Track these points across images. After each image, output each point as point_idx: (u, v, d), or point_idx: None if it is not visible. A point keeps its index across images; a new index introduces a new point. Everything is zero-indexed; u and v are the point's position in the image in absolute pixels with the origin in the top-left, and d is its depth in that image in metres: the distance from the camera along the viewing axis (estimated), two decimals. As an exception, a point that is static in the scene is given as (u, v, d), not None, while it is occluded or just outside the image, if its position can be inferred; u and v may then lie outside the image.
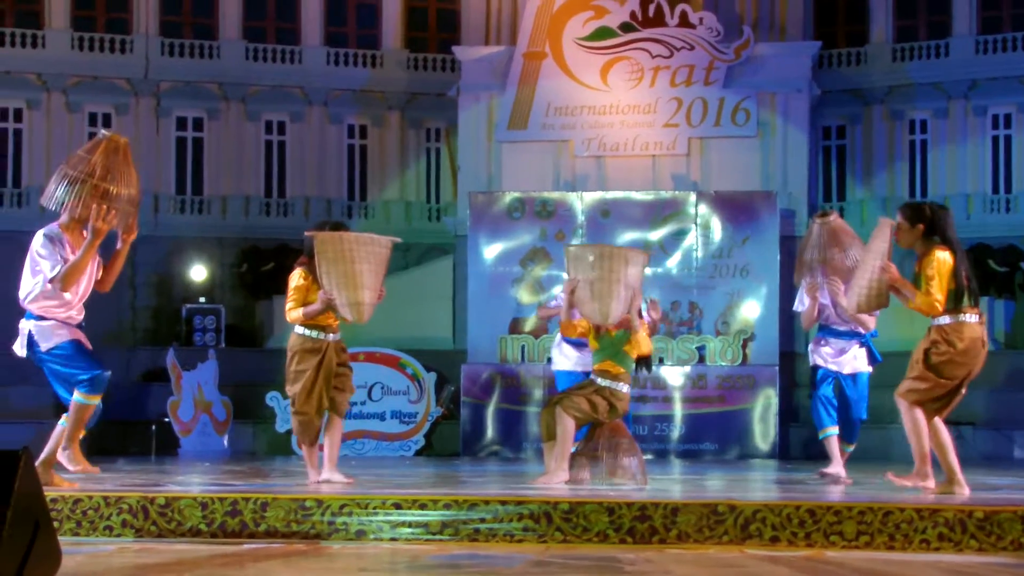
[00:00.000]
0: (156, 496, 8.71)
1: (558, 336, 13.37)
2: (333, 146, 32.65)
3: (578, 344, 12.97)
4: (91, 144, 9.89)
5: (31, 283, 9.81)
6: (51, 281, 9.68)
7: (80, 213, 9.71)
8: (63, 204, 9.72)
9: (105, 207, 9.63)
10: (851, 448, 12.92)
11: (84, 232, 9.85)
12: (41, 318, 9.81)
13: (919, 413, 10.03)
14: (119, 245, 9.88)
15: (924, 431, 10.05)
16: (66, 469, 10.00)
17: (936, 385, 9.95)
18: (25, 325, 9.89)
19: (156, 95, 31.84)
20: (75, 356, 9.85)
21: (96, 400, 9.91)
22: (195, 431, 23.55)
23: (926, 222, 10.05)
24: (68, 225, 9.83)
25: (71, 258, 9.72)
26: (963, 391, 10.13)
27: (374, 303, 10.88)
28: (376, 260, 10.84)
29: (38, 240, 9.79)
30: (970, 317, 9.91)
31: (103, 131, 10.07)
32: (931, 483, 10.07)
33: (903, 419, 10.13)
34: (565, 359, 13.59)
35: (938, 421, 10.12)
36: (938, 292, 9.82)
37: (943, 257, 9.87)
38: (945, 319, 9.92)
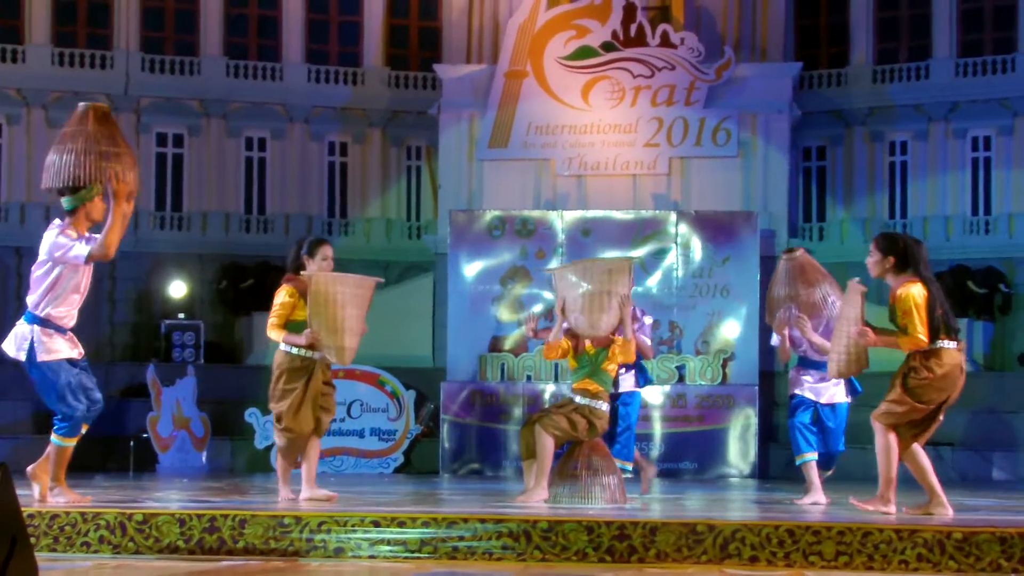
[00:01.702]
0: (134, 512, 8.68)
1: None
2: (314, 163, 32.63)
3: None
4: (78, 115, 9.89)
5: (42, 282, 9.79)
6: (90, 256, 9.64)
7: (90, 183, 9.67)
8: (72, 179, 9.66)
9: (121, 170, 9.65)
10: (828, 474, 12.92)
11: (88, 226, 9.87)
12: (45, 323, 9.78)
13: (892, 437, 10.03)
14: (123, 205, 9.80)
15: (895, 456, 10.06)
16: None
17: (912, 409, 9.97)
18: (26, 329, 9.84)
19: (137, 111, 31.79)
20: (62, 387, 9.80)
21: (73, 443, 9.91)
22: (173, 447, 23.47)
23: (898, 255, 10.07)
24: (74, 216, 9.82)
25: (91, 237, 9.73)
26: (940, 417, 10.15)
27: (356, 347, 10.92)
28: (361, 303, 10.89)
29: (52, 239, 9.75)
30: (948, 344, 9.94)
31: (81, 103, 10.06)
32: (892, 509, 10.05)
33: (876, 441, 10.14)
34: None
35: (916, 446, 10.13)
36: (919, 326, 9.84)
37: (917, 291, 9.89)
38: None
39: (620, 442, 13.27)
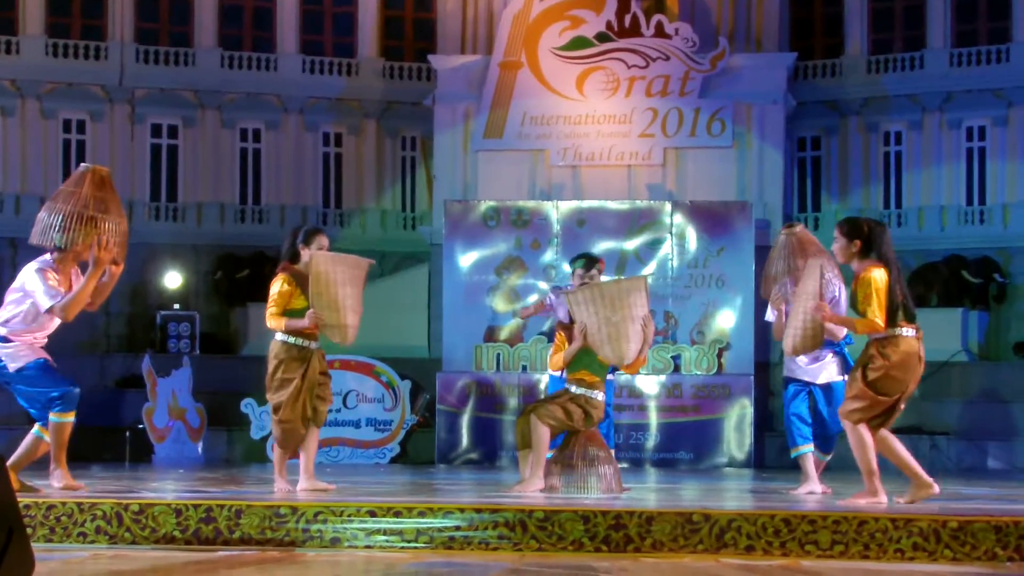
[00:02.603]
0: (130, 503, 8.69)
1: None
2: (309, 154, 32.62)
3: None
4: (76, 177, 9.98)
5: (14, 310, 9.89)
6: (50, 310, 9.75)
7: (76, 247, 9.78)
8: (59, 239, 9.77)
9: (105, 238, 9.73)
10: (827, 458, 12.88)
11: (76, 269, 9.97)
12: (7, 340, 9.90)
13: (864, 430, 10.06)
14: (105, 277, 9.97)
15: (870, 448, 10.07)
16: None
17: (874, 403, 9.99)
18: None
19: (131, 102, 31.77)
20: (43, 376, 9.96)
21: (71, 417, 9.99)
22: (169, 438, 23.47)
23: (863, 238, 10.09)
24: (60, 261, 9.90)
25: (63, 290, 9.82)
26: (901, 406, 10.16)
27: (357, 325, 10.92)
28: (358, 282, 10.90)
29: (30, 275, 9.87)
30: (906, 331, 9.96)
31: (83, 164, 10.16)
32: (882, 497, 10.06)
33: (848, 438, 10.17)
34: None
35: (884, 433, 10.13)
36: (877, 310, 9.86)
37: (878, 275, 9.91)
38: (880, 333, 9.96)
39: (603, 432, 13.25)
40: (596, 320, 11.11)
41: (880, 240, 10.06)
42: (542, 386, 22.76)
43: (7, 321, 9.92)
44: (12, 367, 9.95)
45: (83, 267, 9.96)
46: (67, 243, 9.78)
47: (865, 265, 10.01)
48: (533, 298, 23.33)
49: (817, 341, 10.41)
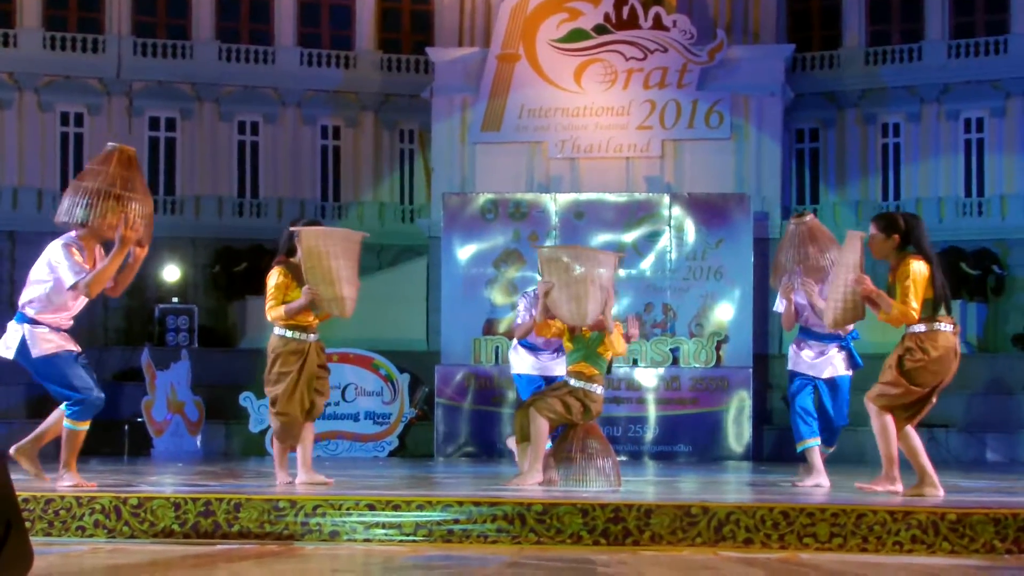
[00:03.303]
0: (129, 496, 8.68)
1: (514, 340, 13.25)
2: (307, 147, 32.60)
3: (532, 348, 12.90)
4: (103, 156, 9.89)
5: (39, 288, 9.78)
6: (74, 287, 9.65)
7: (102, 225, 9.70)
8: (84, 218, 9.68)
9: (131, 217, 9.67)
10: (829, 451, 12.83)
11: (99, 247, 9.89)
12: (35, 323, 9.78)
13: (888, 418, 10.05)
14: (130, 258, 9.89)
15: (893, 435, 10.07)
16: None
17: (907, 392, 9.98)
18: (17, 328, 9.85)
19: (129, 95, 31.74)
20: (66, 374, 9.81)
21: (85, 426, 9.92)
22: (168, 431, 23.48)
23: (901, 232, 10.06)
24: (86, 238, 9.82)
25: (88, 267, 9.73)
26: (933, 399, 10.16)
27: (355, 297, 10.91)
28: (351, 255, 10.88)
29: (56, 249, 9.76)
30: (945, 326, 9.94)
31: (111, 143, 10.08)
32: (899, 486, 10.09)
33: (872, 423, 10.14)
34: (521, 362, 13.35)
35: (909, 428, 10.14)
36: (914, 301, 9.84)
37: (919, 267, 9.88)
38: (920, 327, 9.94)
39: None
40: (561, 279, 11.14)
41: (918, 232, 10.04)
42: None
43: (32, 301, 9.80)
44: (35, 353, 9.81)
45: (107, 248, 9.89)
46: (93, 220, 9.69)
47: (904, 257, 9.97)
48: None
49: (858, 313, 10.31)
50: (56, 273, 9.71)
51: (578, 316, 11.14)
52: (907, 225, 10.09)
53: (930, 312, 9.90)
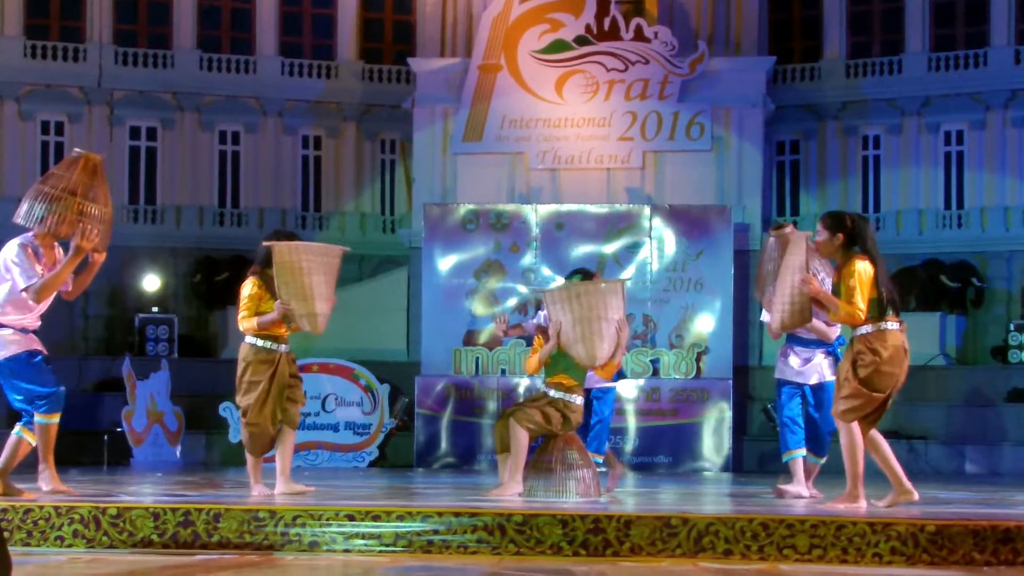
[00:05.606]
0: (108, 506, 8.67)
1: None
2: (288, 157, 32.55)
3: None
4: (67, 162, 9.92)
5: (1, 292, 9.78)
6: (25, 291, 9.66)
7: (58, 230, 9.70)
8: (41, 221, 9.69)
9: (88, 226, 9.67)
10: (821, 461, 12.79)
11: (57, 247, 9.89)
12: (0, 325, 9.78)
13: (858, 433, 10.08)
14: (89, 259, 9.90)
15: (860, 452, 10.11)
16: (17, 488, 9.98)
17: (869, 399, 10.03)
18: None
19: (110, 104, 31.67)
20: (31, 371, 9.84)
21: (56, 418, 9.92)
22: (147, 441, 23.43)
23: (846, 232, 10.13)
24: (43, 237, 9.81)
25: (44, 271, 9.73)
26: (890, 402, 10.19)
27: (328, 313, 10.91)
28: (329, 270, 10.88)
29: (12, 249, 9.77)
30: (892, 324, 9.99)
31: (77, 149, 10.11)
32: (863, 504, 10.08)
33: (841, 440, 10.17)
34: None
35: (874, 433, 10.18)
36: (860, 301, 9.90)
37: (863, 267, 9.95)
38: (867, 328, 9.99)
39: (592, 435, 13.28)
40: (570, 319, 11.14)
41: (864, 234, 10.11)
42: (521, 389, 22.78)
43: None
44: (1, 355, 9.83)
45: (67, 248, 9.89)
46: (50, 225, 9.71)
47: (849, 257, 10.03)
48: (512, 302, 23.41)
49: (805, 316, 10.36)
50: (11, 274, 9.73)
51: (589, 357, 11.17)
52: (853, 225, 10.16)
53: (876, 312, 9.95)
